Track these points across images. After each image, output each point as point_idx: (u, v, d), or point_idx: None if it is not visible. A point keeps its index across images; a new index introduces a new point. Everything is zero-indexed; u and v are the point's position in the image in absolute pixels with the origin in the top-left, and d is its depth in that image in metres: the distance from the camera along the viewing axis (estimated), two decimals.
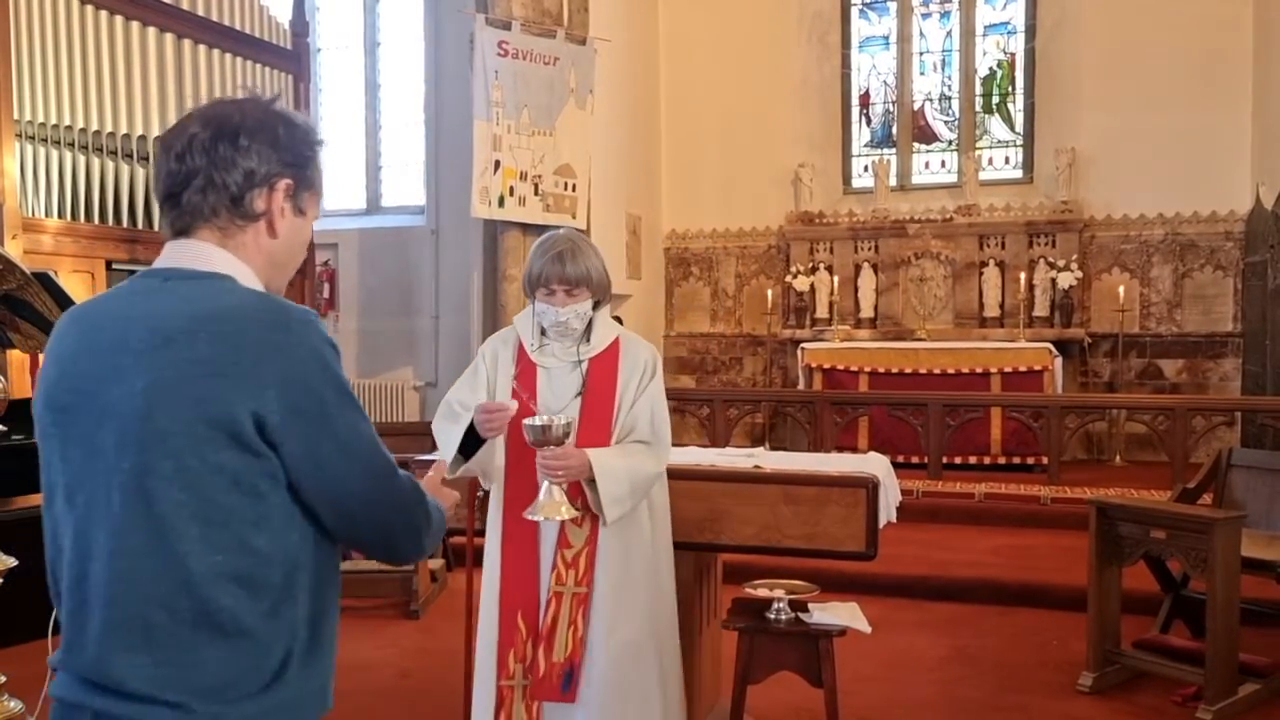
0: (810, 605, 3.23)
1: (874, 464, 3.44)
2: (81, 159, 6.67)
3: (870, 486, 3.16)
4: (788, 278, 9.70)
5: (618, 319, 4.28)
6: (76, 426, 1.38)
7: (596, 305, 2.80)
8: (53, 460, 1.42)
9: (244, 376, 1.32)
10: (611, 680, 2.73)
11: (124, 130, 6.90)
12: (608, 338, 2.83)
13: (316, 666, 1.43)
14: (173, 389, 1.31)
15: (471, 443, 2.68)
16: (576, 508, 2.62)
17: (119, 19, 6.90)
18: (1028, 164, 9.66)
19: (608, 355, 2.81)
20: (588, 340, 2.80)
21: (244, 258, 1.45)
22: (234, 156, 1.41)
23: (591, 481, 2.64)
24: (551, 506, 2.55)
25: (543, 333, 2.82)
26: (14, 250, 5.88)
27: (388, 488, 1.47)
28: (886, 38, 10.09)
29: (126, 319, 1.38)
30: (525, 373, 2.81)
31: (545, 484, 2.57)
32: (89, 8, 6.70)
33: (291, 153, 1.46)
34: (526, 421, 2.53)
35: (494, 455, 2.74)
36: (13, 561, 3.60)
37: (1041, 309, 9.08)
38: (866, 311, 9.58)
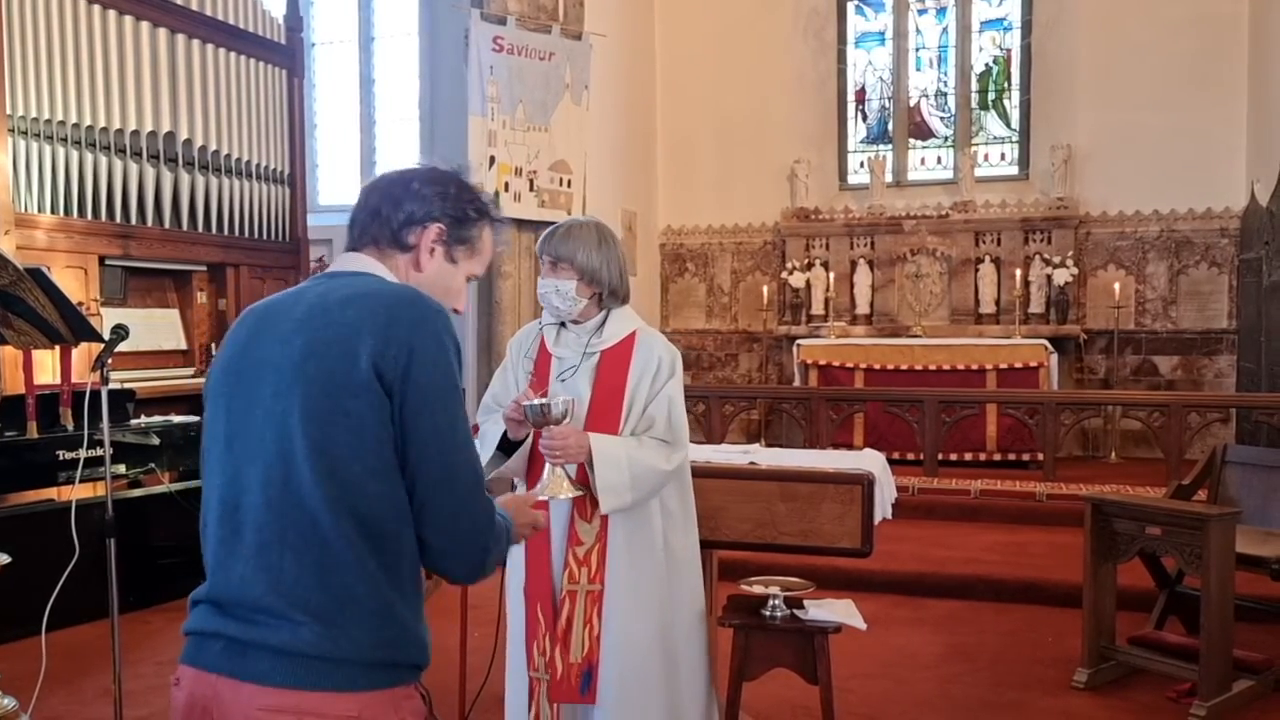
0: (806, 602, 3.22)
1: (869, 461, 3.44)
2: (75, 154, 6.63)
3: (866, 483, 3.16)
4: (783, 274, 9.71)
5: None
6: (242, 384, 1.59)
7: (605, 299, 2.78)
8: (218, 414, 1.62)
9: (374, 331, 1.52)
10: (627, 681, 2.71)
11: (117, 125, 6.86)
12: (621, 332, 2.81)
13: (415, 619, 1.57)
14: (321, 344, 1.53)
15: (515, 441, 2.67)
16: (579, 488, 2.60)
17: (112, 14, 6.87)
18: (1024, 160, 9.66)
19: (620, 349, 2.80)
20: (600, 333, 2.80)
21: (395, 277, 1.70)
22: (402, 198, 1.72)
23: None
24: (555, 485, 2.54)
25: (563, 325, 2.83)
26: (7, 246, 5.85)
27: (463, 492, 1.57)
28: (882, 34, 10.08)
29: (295, 301, 1.63)
30: (541, 362, 2.83)
31: (548, 465, 2.57)
32: (82, 3, 6.66)
33: (453, 206, 1.73)
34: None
35: (528, 459, 2.72)
36: (5, 559, 3.57)
37: (1037, 305, 9.08)
38: (862, 308, 9.58)
